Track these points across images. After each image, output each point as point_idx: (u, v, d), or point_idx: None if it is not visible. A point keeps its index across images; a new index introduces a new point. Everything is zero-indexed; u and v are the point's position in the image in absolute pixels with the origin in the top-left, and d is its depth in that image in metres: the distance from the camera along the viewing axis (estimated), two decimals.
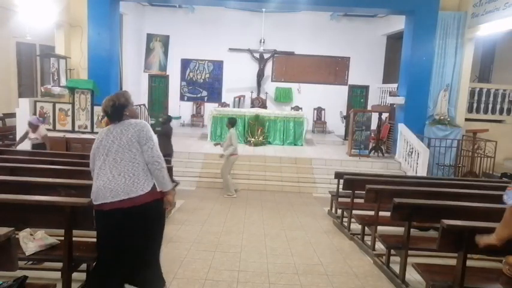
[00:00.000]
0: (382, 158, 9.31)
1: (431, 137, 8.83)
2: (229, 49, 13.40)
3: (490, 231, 2.57)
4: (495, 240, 2.47)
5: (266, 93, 13.59)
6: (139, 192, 2.66)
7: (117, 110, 2.81)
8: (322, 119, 13.47)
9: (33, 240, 3.09)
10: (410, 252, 3.70)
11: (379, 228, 4.46)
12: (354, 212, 5.17)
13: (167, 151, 6.61)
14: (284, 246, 4.72)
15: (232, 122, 7.34)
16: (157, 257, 2.95)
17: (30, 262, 3.35)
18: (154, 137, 2.86)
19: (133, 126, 2.77)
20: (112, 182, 2.64)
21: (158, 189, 2.82)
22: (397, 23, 11.42)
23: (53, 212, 2.91)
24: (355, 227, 5.13)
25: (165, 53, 13.65)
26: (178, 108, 13.48)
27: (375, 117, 9.87)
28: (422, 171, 7.97)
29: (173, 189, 2.95)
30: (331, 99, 13.31)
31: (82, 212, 2.90)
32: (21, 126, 8.41)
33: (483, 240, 2.56)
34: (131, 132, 2.74)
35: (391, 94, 10.81)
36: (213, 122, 10.69)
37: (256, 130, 10.50)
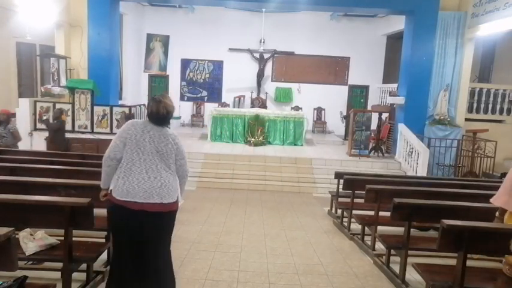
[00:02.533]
0: (382, 158, 9.31)
1: (431, 137, 8.83)
2: (229, 49, 13.39)
3: (490, 231, 2.56)
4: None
5: (266, 93, 13.59)
6: (170, 200, 2.78)
7: (169, 119, 2.86)
8: (322, 119, 13.46)
9: (33, 240, 3.10)
10: (410, 252, 3.70)
11: (379, 228, 4.46)
12: (354, 212, 5.17)
13: (62, 146, 6.98)
14: (284, 246, 4.72)
15: (128, 117, 7.21)
16: (171, 263, 2.97)
17: (30, 262, 3.35)
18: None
19: (172, 138, 2.84)
20: (147, 182, 2.70)
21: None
22: (397, 23, 11.41)
23: (53, 212, 2.91)
24: (355, 227, 5.13)
25: (165, 53, 13.64)
26: (178, 108, 13.41)
27: (375, 117, 9.86)
28: (422, 171, 7.97)
29: None
30: (331, 99, 13.30)
31: (82, 212, 2.90)
32: (21, 126, 8.40)
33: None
34: (171, 143, 2.82)
35: (391, 94, 10.81)
36: (213, 122, 10.69)
37: (256, 130, 10.49)
